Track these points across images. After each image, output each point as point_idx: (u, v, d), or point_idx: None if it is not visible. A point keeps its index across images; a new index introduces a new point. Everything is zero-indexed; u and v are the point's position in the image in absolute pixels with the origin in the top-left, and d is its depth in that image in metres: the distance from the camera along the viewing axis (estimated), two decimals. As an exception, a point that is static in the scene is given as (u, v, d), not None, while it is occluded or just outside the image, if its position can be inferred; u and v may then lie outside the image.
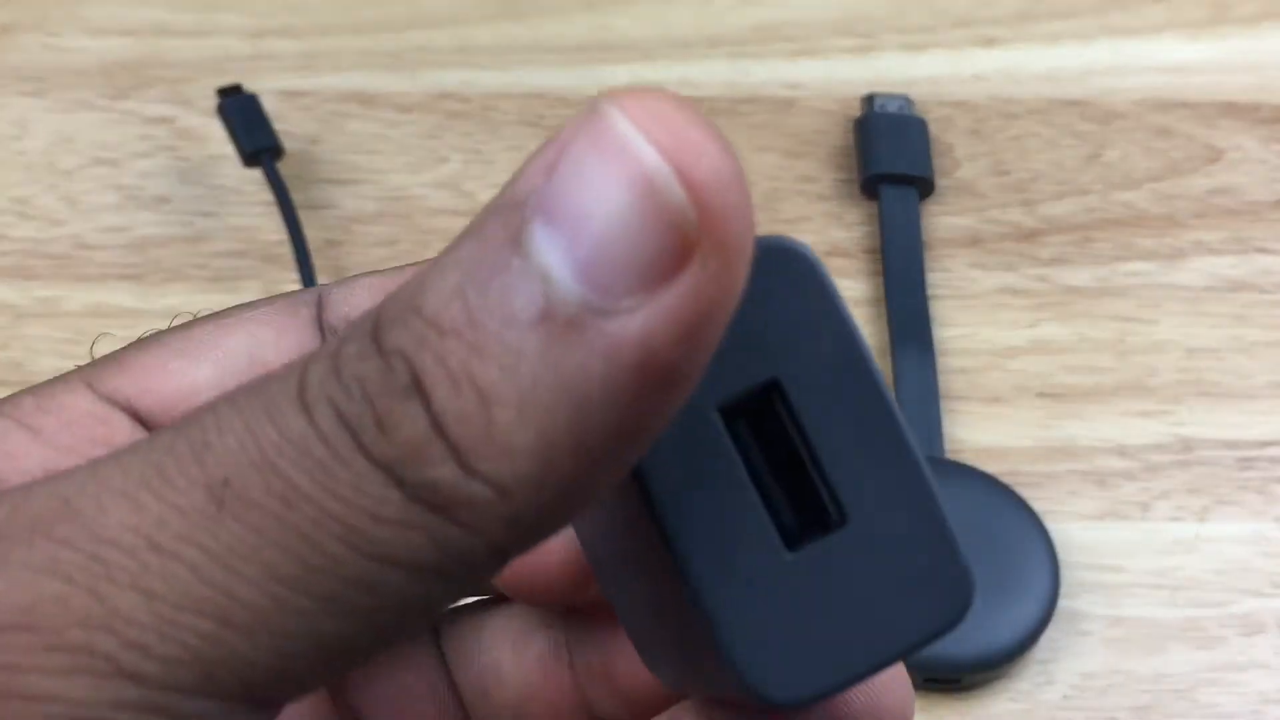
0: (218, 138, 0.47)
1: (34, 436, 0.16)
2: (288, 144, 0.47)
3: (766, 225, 0.46)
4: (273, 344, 0.17)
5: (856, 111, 0.48)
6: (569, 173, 0.13)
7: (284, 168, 0.47)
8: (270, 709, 0.14)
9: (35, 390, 0.17)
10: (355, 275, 0.18)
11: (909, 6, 0.52)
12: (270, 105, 0.48)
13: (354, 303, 0.18)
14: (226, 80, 0.47)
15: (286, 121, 0.48)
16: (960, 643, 0.37)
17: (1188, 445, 0.42)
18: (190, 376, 0.17)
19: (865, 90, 0.48)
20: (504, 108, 0.48)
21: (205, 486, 0.12)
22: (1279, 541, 0.40)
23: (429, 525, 0.12)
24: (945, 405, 0.42)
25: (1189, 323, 0.44)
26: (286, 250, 0.45)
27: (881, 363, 0.43)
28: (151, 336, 0.18)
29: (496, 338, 0.12)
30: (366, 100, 0.49)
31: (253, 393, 0.13)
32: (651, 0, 0.52)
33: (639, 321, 0.12)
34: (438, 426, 0.12)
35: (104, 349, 0.17)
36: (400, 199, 0.44)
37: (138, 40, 0.50)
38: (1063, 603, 0.39)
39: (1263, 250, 0.46)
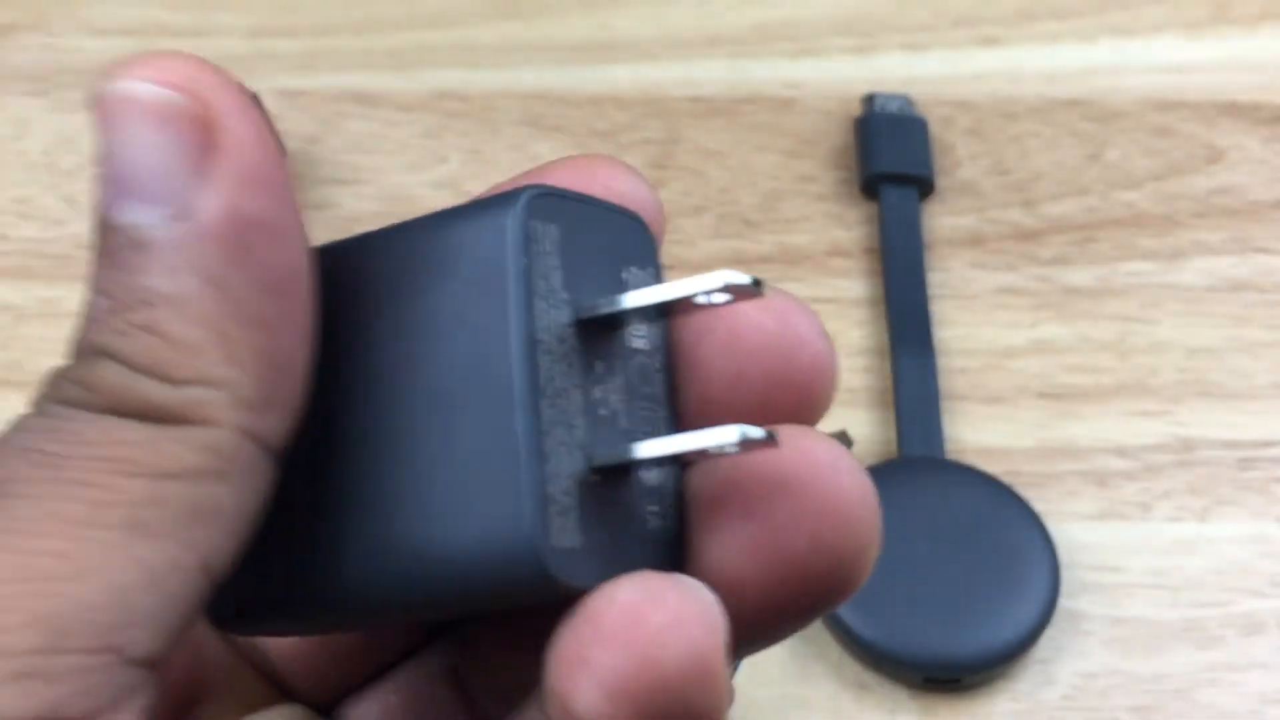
0: (218, 137, 0.47)
1: None
2: (287, 143, 0.47)
3: (767, 225, 0.46)
4: None
5: (857, 111, 0.48)
6: (112, 158, 0.16)
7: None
8: (145, 665, 0.14)
9: None
10: None
11: (909, 6, 0.52)
12: (269, 105, 0.48)
13: None
14: (226, 80, 0.47)
15: (286, 121, 0.48)
16: (960, 643, 0.37)
17: (1188, 445, 0.42)
18: None
19: (865, 90, 0.48)
20: (504, 107, 0.48)
21: None
22: None
23: (175, 436, 0.15)
24: (945, 405, 0.42)
25: (1190, 323, 0.44)
26: (286, 250, 0.45)
27: (882, 363, 0.44)
28: None
29: (140, 287, 0.15)
30: (366, 100, 0.49)
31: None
32: (652, 0, 0.52)
33: (212, 204, 0.15)
34: (131, 366, 0.15)
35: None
36: (400, 199, 0.44)
37: (138, 40, 0.50)
38: (1063, 603, 0.39)
39: (1263, 250, 0.46)
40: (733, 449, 0.16)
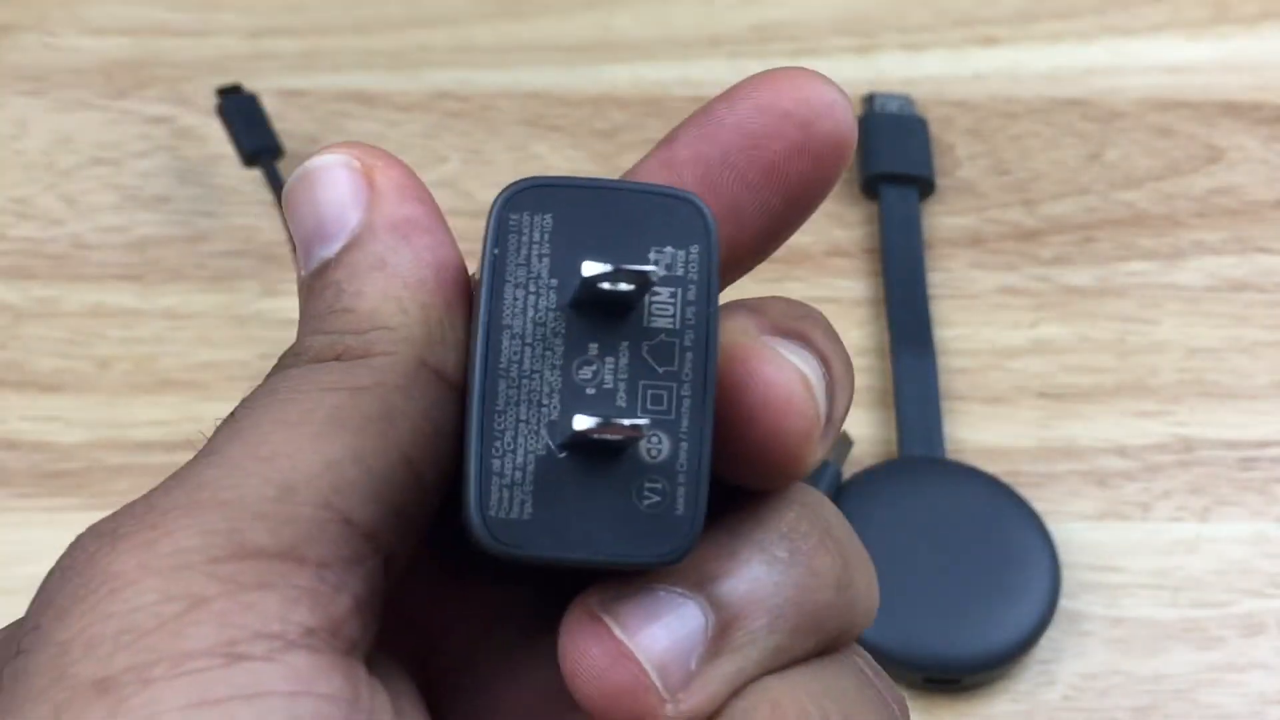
0: (217, 137, 0.47)
1: None
2: (287, 143, 0.47)
3: (766, 225, 0.46)
4: None
5: (857, 111, 0.48)
6: (304, 219, 0.21)
7: (283, 167, 0.47)
8: (367, 537, 0.18)
9: None
10: None
11: (910, 6, 0.52)
12: (269, 105, 0.48)
13: None
14: (226, 80, 0.47)
15: (286, 121, 0.48)
16: (960, 643, 0.37)
17: (1188, 445, 0.42)
18: None
19: (866, 89, 0.48)
20: (503, 107, 0.48)
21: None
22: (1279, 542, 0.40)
23: (362, 364, 0.19)
24: (945, 405, 0.42)
25: (1190, 323, 0.44)
26: (286, 250, 0.45)
27: (882, 363, 0.43)
28: None
29: (331, 282, 0.20)
30: (366, 99, 0.49)
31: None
32: (652, 0, 0.52)
33: (376, 216, 0.21)
34: (328, 333, 0.19)
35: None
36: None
37: (137, 40, 0.50)
38: (1063, 603, 0.39)
39: (1263, 250, 0.46)
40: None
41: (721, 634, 0.18)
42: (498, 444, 0.18)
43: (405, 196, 0.21)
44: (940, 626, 0.37)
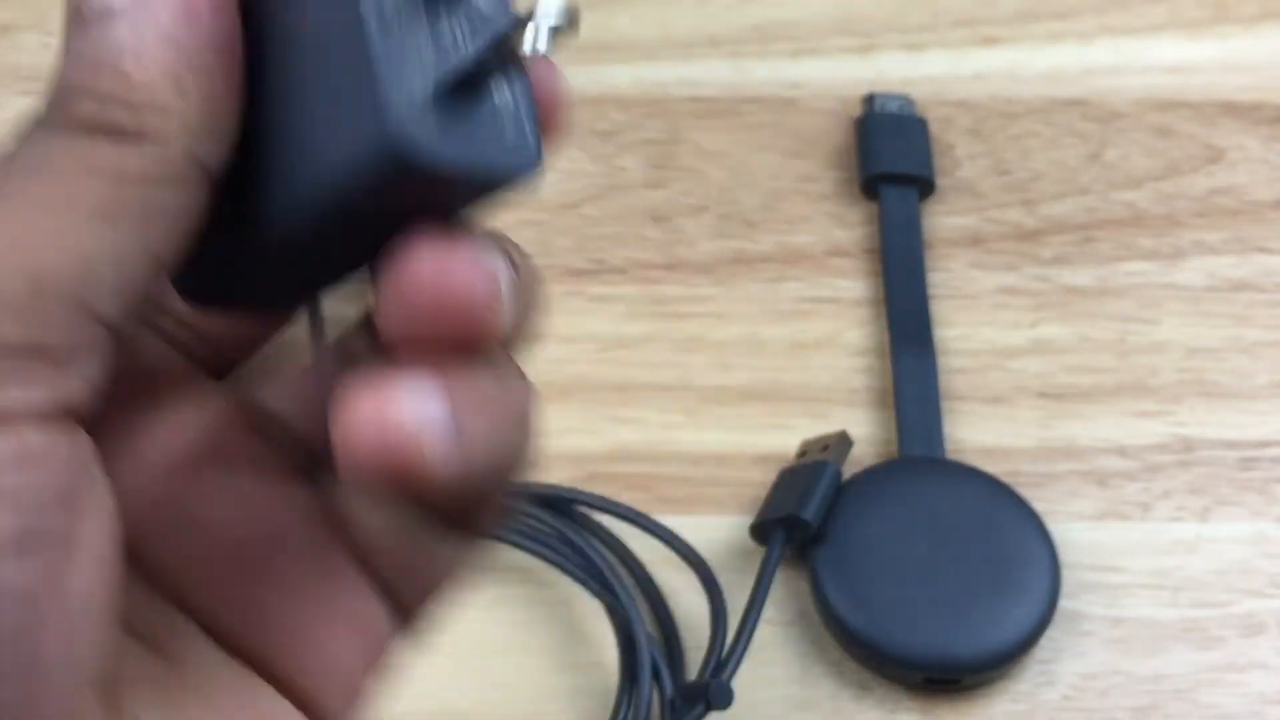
0: (218, 137, 0.47)
1: None
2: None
3: (766, 224, 0.46)
4: None
5: (857, 111, 0.48)
6: None
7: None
8: (108, 327, 0.18)
9: None
10: None
11: (910, 6, 0.52)
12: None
13: None
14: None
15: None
16: (960, 643, 0.37)
17: (1188, 445, 0.42)
18: None
19: (866, 90, 0.48)
20: (504, 107, 0.49)
21: None
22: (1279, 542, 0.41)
23: (133, 149, 0.19)
24: (945, 405, 0.42)
25: (1190, 323, 0.44)
26: (286, 250, 0.45)
27: (882, 363, 0.44)
28: None
29: (109, 40, 0.19)
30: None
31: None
32: (652, 0, 0.52)
33: None
34: (99, 98, 0.19)
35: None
36: (400, 199, 0.44)
37: (138, 40, 0.50)
38: (1063, 603, 0.39)
39: (1263, 250, 0.46)
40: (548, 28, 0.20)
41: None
42: (401, 78, 0.19)
43: None
44: (940, 626, 0.38)
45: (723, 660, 0.36)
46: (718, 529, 0.40)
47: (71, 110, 0.19)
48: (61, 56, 0.19)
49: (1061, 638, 0.39)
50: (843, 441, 0.41)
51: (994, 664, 0.37)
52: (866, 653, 0.38)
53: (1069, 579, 0.39)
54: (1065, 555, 0.39)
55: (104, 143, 0.19)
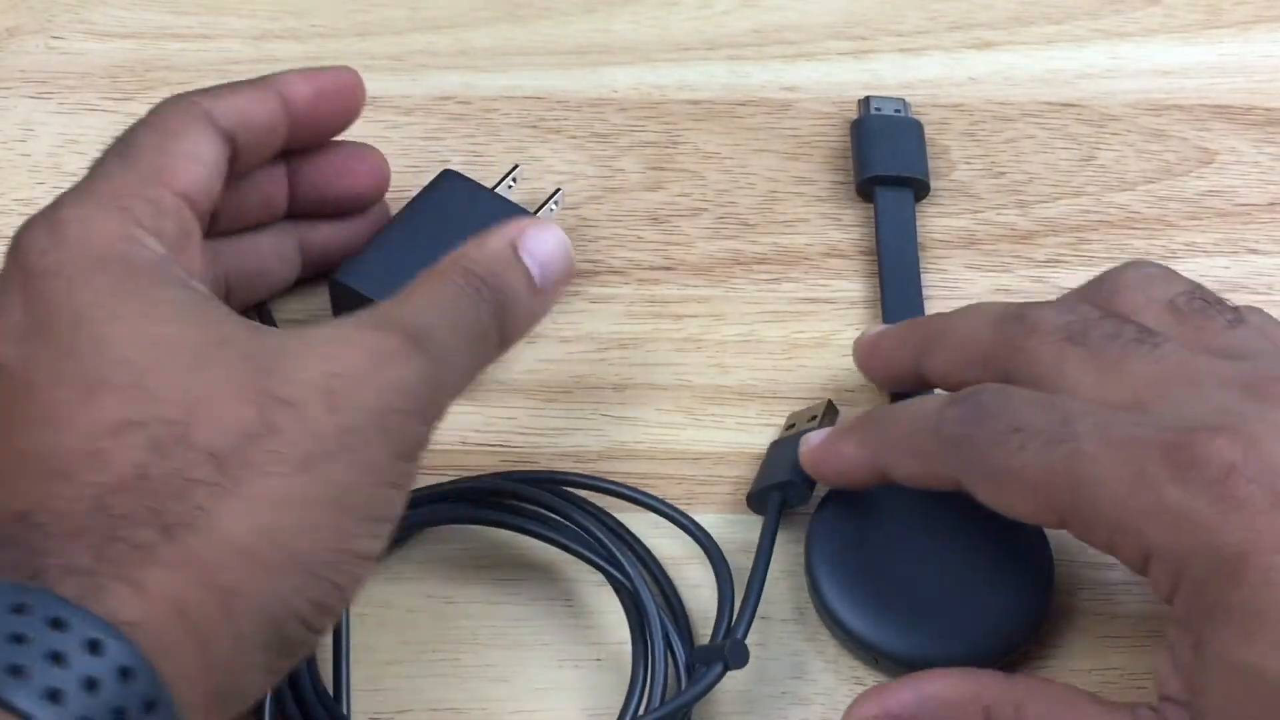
0: (221, 140, 0.47)
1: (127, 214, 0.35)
2: (290, 146, 0.47)
3: (764, 226, 0.47)
4: (207, 151, 0.37)
5: (854, 113, 0.48)
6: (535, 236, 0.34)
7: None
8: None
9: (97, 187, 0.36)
10: (220, 94, 0.38)
11: (905, 10, 0.52)
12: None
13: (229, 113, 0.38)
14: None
15: (289, 124, 0.48)
16: (957, 640, 0.38)
17: (1180, 444, 0.42)
18: (194, 175, 0.36)
19: (862, 92, 0.49)
20: (504, 110, 0.49)
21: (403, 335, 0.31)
22: (1271, 539, 0.41)
23: (484, 346, 0.33)
24: (941, 404, 0.43)
25: (1182, 323, 0.45)
26: (289, 251, 0.46)
27: (878, 362, 0.44)
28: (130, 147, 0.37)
29: (519, 290, 0.34)
30: (368, 102, 0.49)
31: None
32: (651, 3, 0.52)
33: (556, 296, 0.35)
34: (501, 315, 0.33)
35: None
36: (402, 200, 0.44)
37: (142, 43, 0.50)
38: (1059, 599, 0.39)
39: (1255, 252, 0.47)
40: None
41: None
42: None
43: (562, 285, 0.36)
44: (937, 623, 0.38)
45: (734, 622, 0.37)
46: (717, 527, 0.40)
47: (487, 296, 0.33)
48: (493, 254, 0.34)
49: (1057, 635, 0.39)
50: (830, 409, 0.41)
51: (990, 660, 0.38)
52: (863, 649, 0.38)
53: (1065, 576, 0.40)
54: (1060, 552, 0.40)
55: (487, 325, 0.33)
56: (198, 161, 0.35)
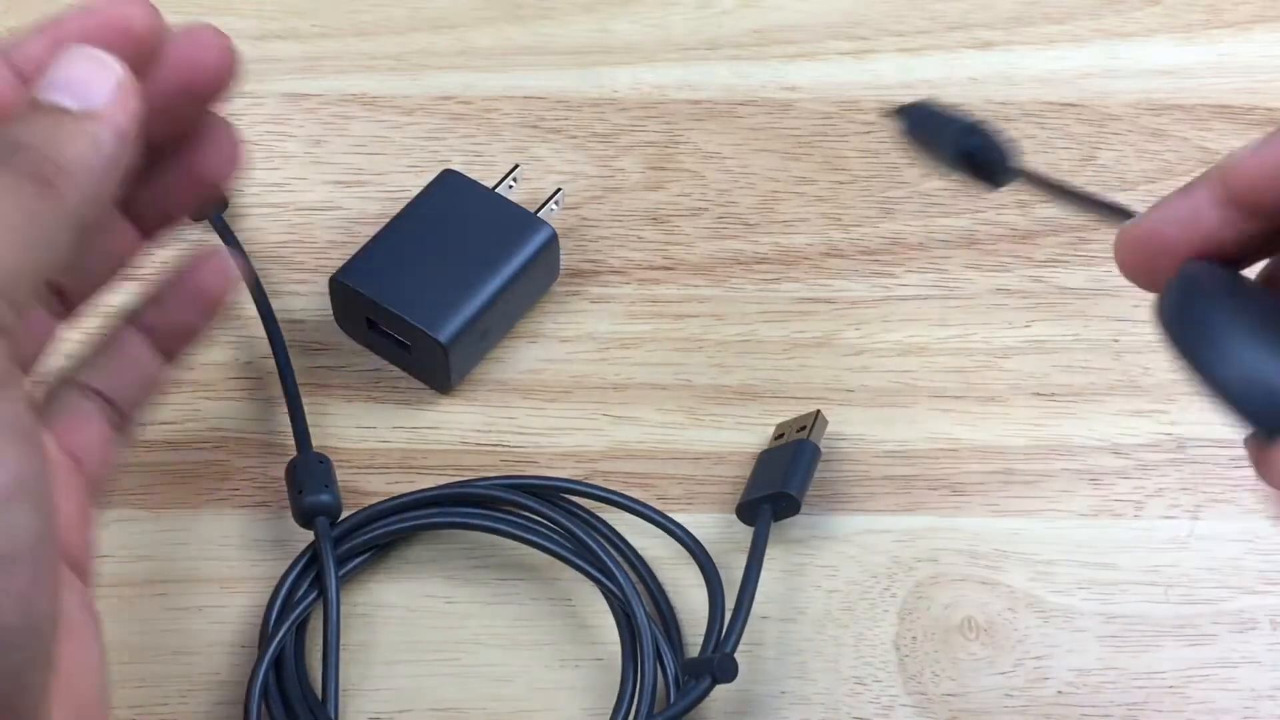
0: (221, 140, 0.47)
1: None
2: (292, 146, 0.47)
3: (764, 226, 0.47)
4: None
5: (853, 114, 0.48)
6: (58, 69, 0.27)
7: (287, 170, 0.47)
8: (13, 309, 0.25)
9: None
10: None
11: (906, 10, 0.52)
12: (274, 107, 0.48)
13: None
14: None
15: (290, 124, 0.48)
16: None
17: (1181, 444, 0.42)
18: None
19: (862, 93, 0.49)
20: (505, 110, 0.49)
21: None
22: (1271, 539, 0.41)
23: (48, 199, 0.26)
24: (941, 404, 0.43)
25: (1182, 323, 0.45)
26: (290, 250, 0.46)
27: (879, 362, 0.44)
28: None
29: (51, 126, 0.27)
30: (369, 102, 0.49)
31: None
32: (651, 3, 0.52)
33: (115, 114, 0.27)
34: (41, 156, 0.26)
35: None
36: (402, 200, 0.44)
37: (142, 43, 0.50)
38: (1057, 599, 0.39)
39: (1255, 251, 0.47)
40: None
41: None
42: None
43: (135, 117, 0.27)
44: None
45: (723, 636, 0.37)
46: (717, 526, 0.40)
47: (17, 157, 0.26)
48: (12, 122, 0.26)
49: (1056, 634, 0.39)
50: (819, 420, 0.41)
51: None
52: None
53: (1063, 575, 0.40)
54: (1059, 552, 0.40)
55: (30, 184, 0.26)
56: None
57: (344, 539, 0.39)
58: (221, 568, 0.39)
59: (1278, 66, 0.51)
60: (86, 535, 0.31)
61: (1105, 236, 0.47)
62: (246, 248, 0.45)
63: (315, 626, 0.38)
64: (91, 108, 0.27)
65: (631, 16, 0.52)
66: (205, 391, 0.43)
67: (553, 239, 0.43)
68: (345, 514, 0.40)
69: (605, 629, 0.39)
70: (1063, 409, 0.43)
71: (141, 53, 0.29)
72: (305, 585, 0.38)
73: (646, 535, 0.40)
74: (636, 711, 0.36)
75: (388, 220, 0.44)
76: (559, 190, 0.45)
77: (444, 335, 0.41)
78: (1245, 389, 0.24)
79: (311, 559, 0.39)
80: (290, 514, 0.39)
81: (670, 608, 0.39)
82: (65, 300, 0.32)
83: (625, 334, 0.44)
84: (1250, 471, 0.42)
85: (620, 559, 0.39)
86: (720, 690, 0.37)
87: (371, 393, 0.43)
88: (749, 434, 0.42)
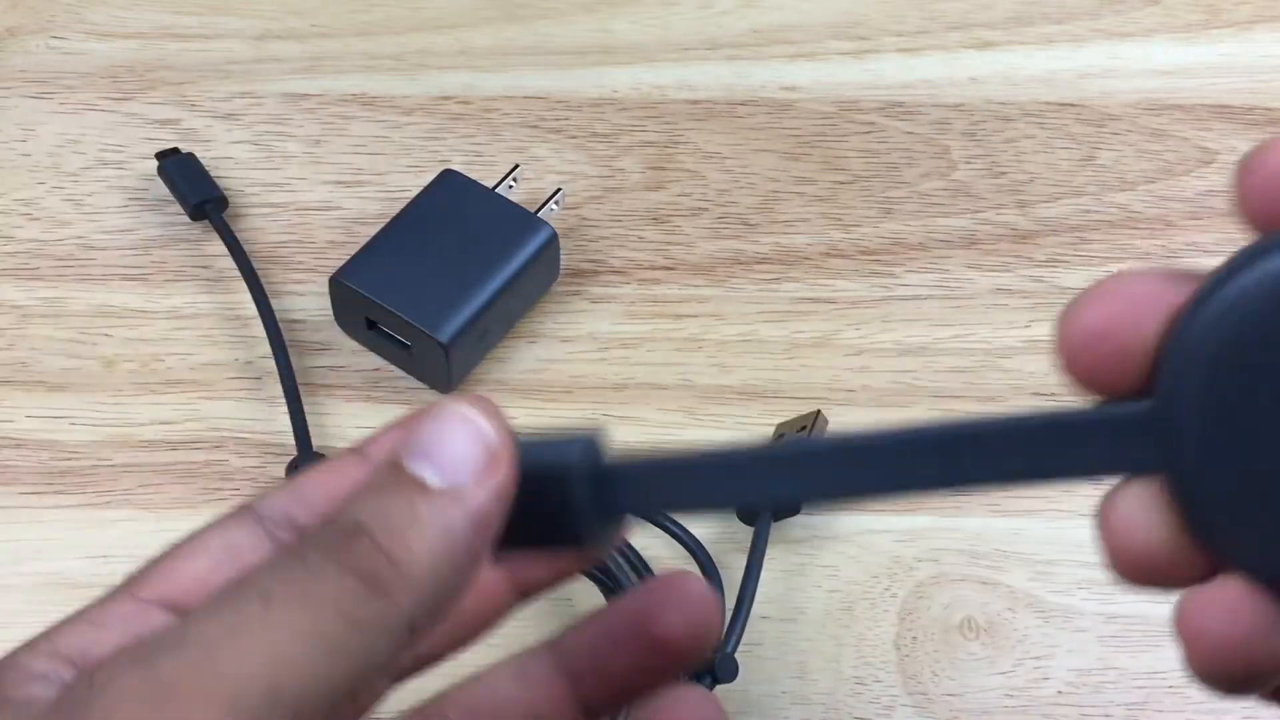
0: (221, 139, 0.48)
1: (102, 630, 0.24)
2: (291, 146, 0.47)
3: (764, 225, 0.47)
4: (242, 540, 0.26)
5: (853, 114, 0.48)
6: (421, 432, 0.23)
7: (287, 170, 0.47)
8: None
9: (89, 610, 0.24)
10: (275, 490, 0.27)
11: (906, 9, 0.52)
12: (274, 107, 0.48)
13: (279, 505, 0.26)
14: (231, 82, 0.48)
15: (290, 124, 0.48)
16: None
17: (1181, 444, 0.42)
18: (195, 571, 0.25)
19: (862, 93, 0.49)
20: (504, 110, 0.49)
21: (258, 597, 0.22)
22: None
23: (374, 599, 0.22)
24: (941, 405, 0.43)
25: (1182, 323, 0.45)
26: (290, 251, 0.46)
27: (879, 362, 0.44)
28: (166, 552, 0.26)
29: (403, 505, 0.23)
30: (369, 102, 0.49)
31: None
32: (651, 3, 0.52)
33: (477, 495, 0.23)
34: (377, 546, 0.22)
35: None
36: (402, 200, 0.44)
37: (143, 43, 0.50)
38: (1057, 599, 0.39)
39: (1255, 251, 0.47)
40: None
41: None
42: None
43: (505, 499, 0.23)
44: None
45: (723, 636, 0.37)
46: (716, 526, 0.40)
47: (351, 547, 0.22)
48: (361, 492, 0.23)
49: (1056, 634, 0.39)
50: (820, 420, 0.41)
51: None
52: None
53: (1063, 575, 0.40)
54: (1058, 552, 0.40)
55: (356, 584, 0.22)
56: None
57: (344, 539, 0.39)
58: (222, 568, 0.39)
59: (1278, 66, 0.51)
60: None
61: (1106, 237, 0.47)
62: (246, 248, 0.45)
63: (315, 626, 0.38)
64: (457, 485, 0.23)
65: (631, 16, 0.52)
66: (205, 391, 0.43)
67: (553, 239, 0.43)
68: (345, 514, 0.40)
69: (605, 629, 0.39)
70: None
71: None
72: (305, 585, 0.38)
73: (646, 535, 0.40)
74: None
75: (388, 220, 0.44)
76: (559, 190, 0.45)
77: (444, 335, 0.41)
78: None
79: (312, 559, 0.39)
80: (290, 514, 0.39)
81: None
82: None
83: (625, 334, 0.44)
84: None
85: (620, 559, 0.39)
86: (720, 690, 0.37)
87: (371, 393, 0.43)
88: (749, 434, 0.42)
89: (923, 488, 0.23)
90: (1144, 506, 0.22)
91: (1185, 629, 0.22)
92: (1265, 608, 0.21)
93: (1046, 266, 0.46)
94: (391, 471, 0.23)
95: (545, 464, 0.24)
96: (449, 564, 0.22)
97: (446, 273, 0.42)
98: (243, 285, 0.44)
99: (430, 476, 0.23)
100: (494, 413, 0.24)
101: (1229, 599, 0.21)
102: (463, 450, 0.23)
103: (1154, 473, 0.22)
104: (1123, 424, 0.23)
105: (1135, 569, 0.22)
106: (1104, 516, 0.23)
